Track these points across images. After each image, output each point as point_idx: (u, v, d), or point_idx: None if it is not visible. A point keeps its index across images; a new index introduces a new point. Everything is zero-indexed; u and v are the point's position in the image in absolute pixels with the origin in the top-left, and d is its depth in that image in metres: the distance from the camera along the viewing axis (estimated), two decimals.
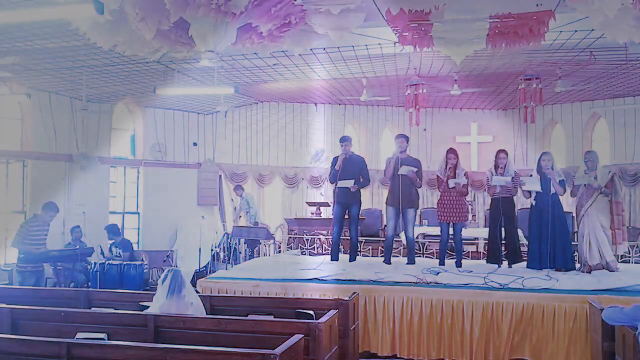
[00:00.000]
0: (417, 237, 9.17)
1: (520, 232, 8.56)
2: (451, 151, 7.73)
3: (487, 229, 7.99)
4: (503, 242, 7.56)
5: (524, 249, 7.83)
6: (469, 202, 9.67)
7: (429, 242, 9.72)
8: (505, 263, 7.53)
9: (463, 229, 7.88)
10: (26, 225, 7.96)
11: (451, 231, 7.69)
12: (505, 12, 5.57)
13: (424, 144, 13.11)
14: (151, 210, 12.01)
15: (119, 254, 9.42)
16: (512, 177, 7.45)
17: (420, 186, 7.99)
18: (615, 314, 4.44)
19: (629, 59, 8.16)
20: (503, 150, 7.71)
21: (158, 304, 4.52)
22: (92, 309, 5.23)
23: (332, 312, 4.74)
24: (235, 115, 12.87)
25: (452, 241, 7.87)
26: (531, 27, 5.61)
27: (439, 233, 7.98)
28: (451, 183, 7.51)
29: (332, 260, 7.90)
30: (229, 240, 10.88)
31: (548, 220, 7.05)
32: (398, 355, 6.33)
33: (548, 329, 5.93)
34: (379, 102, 12.60)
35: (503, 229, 7.50)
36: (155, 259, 10.62)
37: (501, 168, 7.53)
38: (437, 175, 7.84)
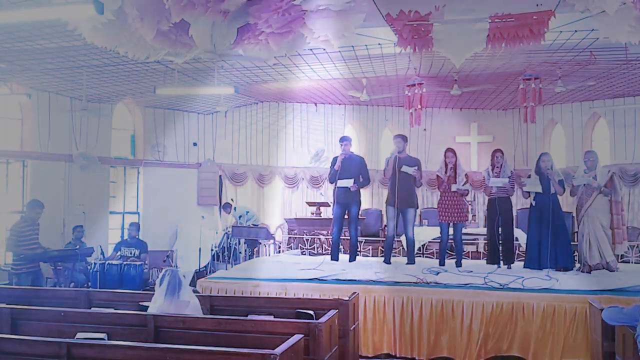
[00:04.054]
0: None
1: (520, 232, 8.59)
2: (449, 150, 7.79)
3: (485, 229, 8.01)
4: (501, 242, 7.57)
5: (523, 248, 7.85)
6: (469, 202, 9.69)
7: (429, 242, 9.73)
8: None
9: (463, 229, 7.90)
10: (16, 227, 7.95)
11: (451, 231, 7.71)
12: (505, 12, 5.57)
13: (424, 144, 13.10)
14: (151, 210, 12.01)
15: (132, 253, 9.42)
16: (509, 177, 7.48)
17: (420, 185, 8.00)
18: (615, 314, 4.45)
19: (629, 59, 8.17)
20: (499, 150, 7.74)
21: (156, 305, 4.54)
22: (92, 309, 5.23)
23: (332, 312, 4.74)
24: (235, 115, 12.87)
25: (452, 241, 7.88)
26: (531, 27, 5.61)
27: (439, 234, 8.00)
28: (453, 188, 7.56)
29: (332, 260, 7.90)
30: (229, 240, 10.88)
31: (548, 220, 7.06)
32: (398, 356, 6.33)
33: (548, 329, 5.93)
34: (378, 102, 12.60)
35: (500, 229, 7.52)
36: (155, 259, 10.61)
37: (497, 168, 7.55)
38: (437, 176, 7.86)
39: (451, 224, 7.67)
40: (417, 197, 8.00)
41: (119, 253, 9.49)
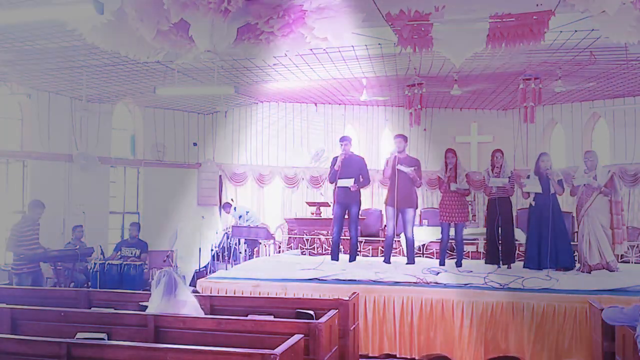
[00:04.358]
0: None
1: (520, 232, 8.58)
2: (450, 151, 7.79)
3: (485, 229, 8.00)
4: (501, 242, 7.57)
5: (523, 248, 7.85)
6: (469, 202, 9.68)
7: (429, 242, 9.72)
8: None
9: (463, 229, 7.90)
10: (17, 227, 7.95)
11: (452, 231, 7.71)
12: (505, 12, 5.57)
13: (424, 144, 13.10)
14: (151, 210, 12.00)
15: (133, 253, 9.41)
16: (509, 177, 7.48)
17: (420, 186, 8.00)
18: (615, 314, 4.45)
19: (629, 59, 8.16)
20: (499, 150, 7.75)
21: (154, 305, 4.55)
22: (92, 309, 5.23)
23: (332, 312, 4.74)
24: (235, 115, 12.87)
25: (452, 241, 7.88)
26: (531, 27, 5.61)
27: (440, 234, 7.99)
28: (452, 187, 7.56)
29: (332, 260, 7.90)
30: (229, 240, 10.87)
31: (548, 220, 7.06)
32: (398, 355, 6.33)
33: (548, 329, 5.93)
34: (378, 102, 12.59)
35: (500, 228, 7.52)
36: (155, 259, 10.61)
37: (497, 168, 7.55)
38: (438, 177, 7.87)
39: (452, 223, 7.67)
40: (417, 197, 8.00)
41: (119, 253, 9.49)
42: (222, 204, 12.35)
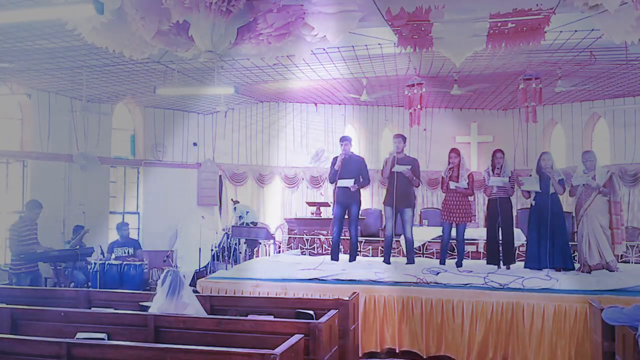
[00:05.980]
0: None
1: (520, 232, 8.58)
2: (453, 151, 7.80)
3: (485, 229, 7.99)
4: (501, 242, 7.57)
5: (524, 249, 7.85)
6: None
7: (429, 242, 9.72)
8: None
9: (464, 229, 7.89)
10: (15, 227, 7.97)
11: (454, 232, 7.70)
12: (505, 11, 5.57)
13: (424, 144, 13.10)
14: (151, 210, 12.00)
15: (126, 252, 9.41)
16: (509, 177, 7.47)
17: (418, 185, 7.99)
18: (615, 314, 4.45)
19: (629, 59, 8.16)
20: (499, 150, 7.74)
21: (158, 304, 4.56)
22: (92, 309, 5.24)
23: (332, 312, 4.74)
24: (235, 115, 12.87)
25: (453, 241, 7.87)
26: (531, 27, 5.61)
27: (440, 234, 7.98)
28: (451, 185, 7.54)
29: (332, 260, 7.90)
30: (229, 240, 10.88)
31: (547, 219, 7.05)
32: (398, 355, 6.33)
33: (548, 329, 5.93)
34: (379, 102, 12.59)
35: (500, 229, 7.52)
36: (155, 259, 10.61)
37: (498, 168, 7.54)
38: (442, 177, 7.86)
39: (454, 224, 7.66)
40: (416, 197, 8.00)
41: (113, 254, 9.48)
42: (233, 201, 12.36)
